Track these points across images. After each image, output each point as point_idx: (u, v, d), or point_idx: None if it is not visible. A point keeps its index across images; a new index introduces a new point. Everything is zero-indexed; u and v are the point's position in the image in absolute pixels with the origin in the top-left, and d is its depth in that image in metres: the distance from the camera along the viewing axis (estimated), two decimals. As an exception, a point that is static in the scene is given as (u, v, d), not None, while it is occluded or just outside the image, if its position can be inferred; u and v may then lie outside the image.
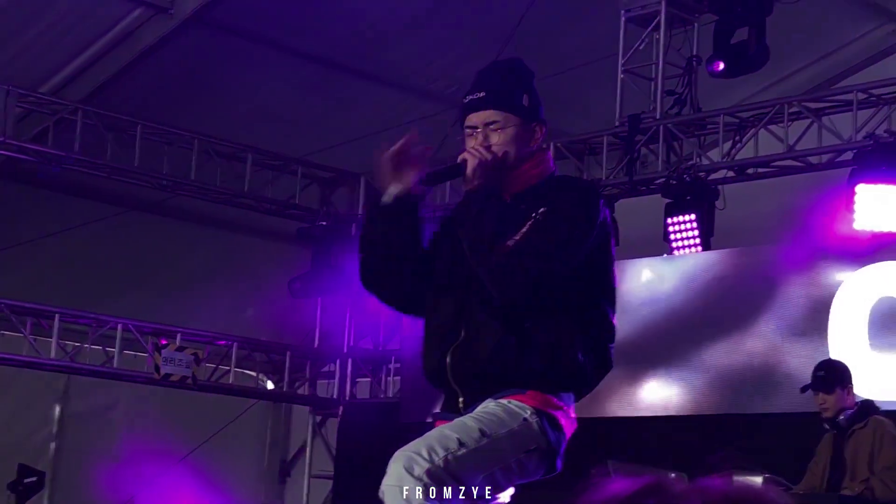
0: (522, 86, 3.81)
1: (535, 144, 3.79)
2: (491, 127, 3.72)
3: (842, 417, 7.73)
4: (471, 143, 3.74)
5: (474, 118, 3.76)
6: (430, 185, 3.78)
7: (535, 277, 3.54)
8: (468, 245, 3.63)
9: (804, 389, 7.92)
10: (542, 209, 3.63)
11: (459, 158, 3.71)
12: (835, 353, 9.23)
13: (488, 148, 3.70)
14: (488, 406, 3.59)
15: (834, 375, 7.83)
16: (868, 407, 7.82)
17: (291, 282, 12.72)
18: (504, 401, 3.59)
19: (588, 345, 3.65)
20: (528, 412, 3.58)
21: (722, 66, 10.30)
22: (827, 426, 7.84)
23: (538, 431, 3.58)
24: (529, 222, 3.61)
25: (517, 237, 3.58)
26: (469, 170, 3.67)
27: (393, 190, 3.75)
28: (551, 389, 3.62)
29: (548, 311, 3.62)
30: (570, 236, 3.59)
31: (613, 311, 3.76)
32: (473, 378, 3.64)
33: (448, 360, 3.67)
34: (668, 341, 10.48)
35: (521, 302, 3.57)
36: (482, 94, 3.76)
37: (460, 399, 3.68)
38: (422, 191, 3.79)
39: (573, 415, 3.71)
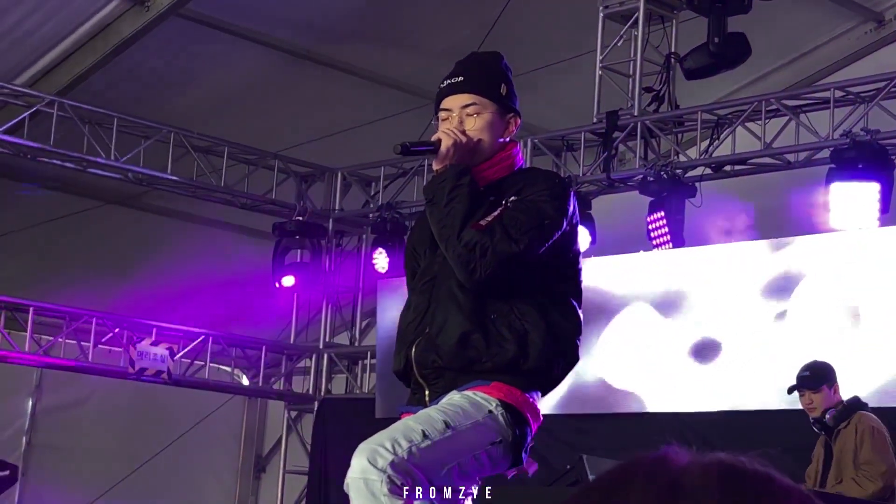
0: (501, 76, 3.79)
1: (508, 136, 3.77)
2: (467, 111, 3.70)
3: (828, 417, 7.70)
4: (444, 126, 3.70)
5: (450, 101, 3.73)
6: (402, 154, 3.74)
7: (501, 258, 3.51)
8: (438, 221, 3.61)
9: (791, 390, 7.89)
10: (512, 198, 3.61)
11: (433, 138, 3.68)
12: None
13: (463, 131, 3.67)
14: (453, 398, 3.57)
15: (820, 374, 7.81)
16: (853, 404, 7.78)
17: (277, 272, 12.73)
18: (469, 392, 3.56)
19: (554, 338, 3.62)
20: (494, 404, 3.55)
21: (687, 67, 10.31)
22: (816, 428, 7.81)
23: (503, 424, 3.55)
24: (500, 209, 3.59)
25: (489, 218, 3.56)
26: (443, 148, 3.64)
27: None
28: (517, 382, 3.59)
29: (514, 304, 3.60)
30: (539, 222, 3.57)
31: (580, 305, 3.74)
32: (438, 370, 3.62)
33: (413, 352, 3.65)
34: (646, 337, 10.47)
35: (487, 283, 3.54)
36: (461, 79, 3.74)
37: (426, 392, 3.65)
38: None
39: (539, 408, 3.68)
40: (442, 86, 3.77)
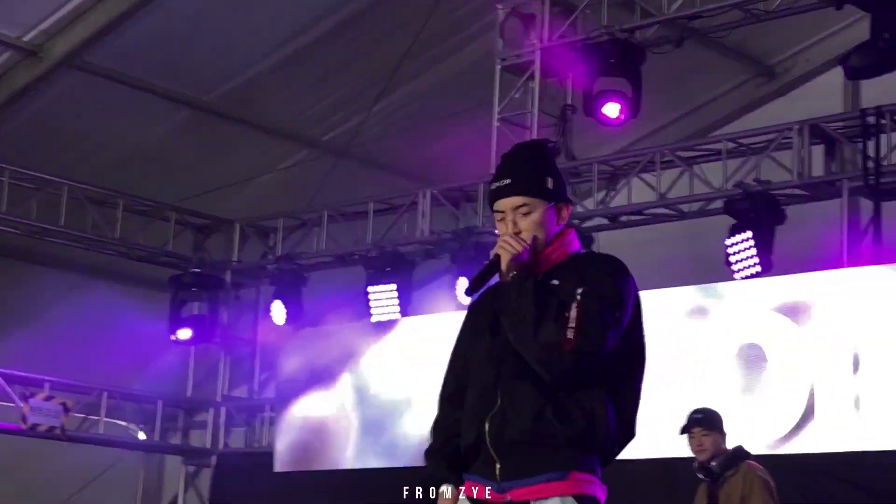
0: (546, 169, 3.92)
1: (562, 223, 3.91)
2: (519, 211, 3.83)
3: (713, 463, 7.77)
4: (501, 228, 3.84)
5: (502, 204, 3.87)
6: (474, 291, 3.85)
7: (579, 355, 3.65)
8: (512, 328, 3.74)
9: (683, 431, 7.94)
10: (580, 290, 3.72)
11: (492, 254, 3.82)
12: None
13: (518, 236, 3.80)
14: None
15: (712, 418, 7.89)
16: (739, 453, 7.87)
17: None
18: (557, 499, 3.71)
19: (619, 414, 3.77)
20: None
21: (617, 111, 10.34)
22: (700, 475, 7.86)
23: None
24: (574, 304, 3.70)
25: (568, 315, 3.67)
26: (504, 264, 3.77)
27: None
28: (587, 459, 3.73)
29: (582, 381, 3.74)
30: (612, 316, 3.71)
31: (642, 379, 3.88)
32: (512, 445, 3.74)
33: (487, 426, 3.77)
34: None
35: (569, 380, 3.69)
36: (508, 182, 3.87)
37: (497, 465, 3.76)
38: None
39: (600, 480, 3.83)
40: (492, 188, 3.92)
